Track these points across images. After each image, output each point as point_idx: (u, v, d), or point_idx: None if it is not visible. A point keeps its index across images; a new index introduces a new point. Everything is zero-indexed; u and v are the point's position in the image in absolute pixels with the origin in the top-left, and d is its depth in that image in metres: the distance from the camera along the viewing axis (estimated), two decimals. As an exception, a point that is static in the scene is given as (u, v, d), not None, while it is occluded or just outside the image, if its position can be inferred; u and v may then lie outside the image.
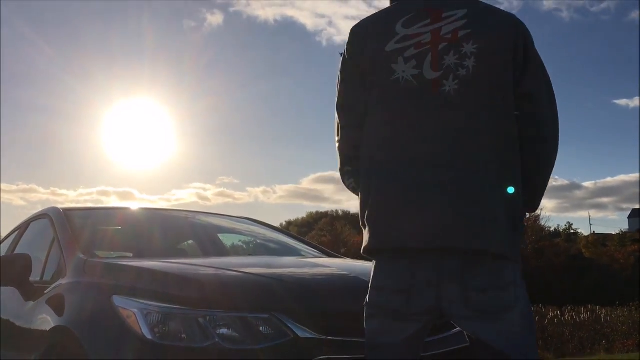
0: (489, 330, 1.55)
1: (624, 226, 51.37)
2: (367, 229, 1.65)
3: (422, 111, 1.59)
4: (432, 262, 1.56)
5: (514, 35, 1.64)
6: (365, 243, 1.66)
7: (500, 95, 1.61)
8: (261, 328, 1.85)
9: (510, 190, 1.57)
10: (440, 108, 1.58)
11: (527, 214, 1.83)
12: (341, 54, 1.79)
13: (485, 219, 1.55)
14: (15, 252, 3.30)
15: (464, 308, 1.54)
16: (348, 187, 1.81)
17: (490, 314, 1.55)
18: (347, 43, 1.75)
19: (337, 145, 1.79)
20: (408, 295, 1.57)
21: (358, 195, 1.73)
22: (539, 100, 1.67)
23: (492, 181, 1.57)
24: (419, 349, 1.67)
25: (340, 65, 1.78)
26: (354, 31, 1.75)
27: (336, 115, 1.80)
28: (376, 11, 1.79)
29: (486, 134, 1.58)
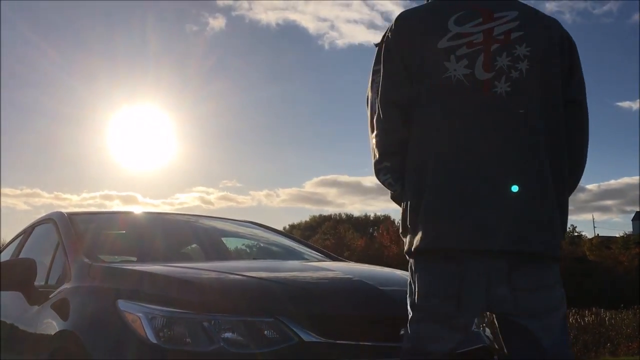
0: (538, 326, 1.59)
1: (628, 228, 51.24)
2: (420, 227, 1.58)
3: (474, 111, 1.58)
4: (482, 264, 1.55)
5: (562, 40, 1.67)
6: (416, 242, 1.58)
7: (551, 99, 1.63)
8: (266, 332, 1.85)
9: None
10: (492, 109, 1.58)
11: None
12: (376, 45, 1.73)
13: (544, 221, 1.58)
14: (20, 256, 3.30)
15: (513, 308, 1.57)
16: (383, 183, 1.72)
17: (539, 314, 1.59)
18: (392, 34, 1.67)
19: (374, 140, 1.69)
20: (457, 299, 1.56)
21: (394, 192, 1.72)
22: (585, 107, 1.72)
23: (549, 184, 1.60)
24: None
25: (379, 56, 1.70)
26: (401, 23, 1.68)
27: (369, 111, 1.74)
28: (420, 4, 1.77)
29: (540, 135, 1.60)
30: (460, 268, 1.55)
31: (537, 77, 1.61)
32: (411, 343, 1.62)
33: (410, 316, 1.65)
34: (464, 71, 1.58)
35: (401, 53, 1.65)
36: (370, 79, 1.74)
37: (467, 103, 1.58)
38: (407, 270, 1.73)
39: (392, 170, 1.68)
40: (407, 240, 1.66)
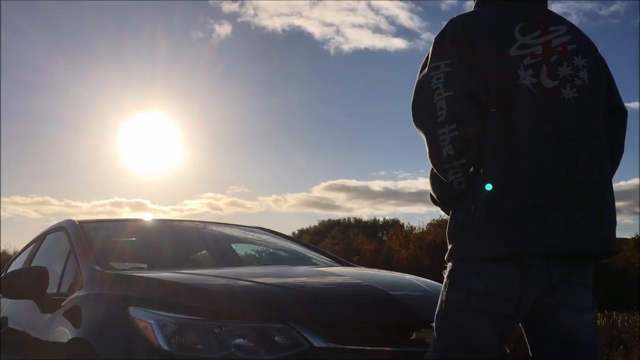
0: (576, 322, 1.67)
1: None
2: (497, 231, 1.57)
3: (546, 117, 1.64)
4: (546, 265, 1.60)
5: (600, 56, 1.82)
6: (492, 247, 1.57)
7: (604, 106, 1.76)
8: (276, 338, 1.85)
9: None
10: (563, 115, 1.65)
11: None
12: (435, 41, 1.71)
13: (615, 220, 1.70)
14: (32, 264, 3.34)
15: (562, 306, 1.66)
16: (452, 182, 1.64)
17: (583, 309, 1.69)
18: (461, 31, 1.68)
19: (445, 135, 1.60)
20: (519, 301, 1.60)
21: (459, 192, 1.65)
22: (626, 114, 1.85)
23: (611, 186, 1.72)
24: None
25: (442, 50, 1.67)
26: (471, 23, 1.70)
27: (419, 110, 1.67)
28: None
29: (605, 141, 1.72)
30: (525, 271, 1.59)
31: (596, 86, 1.73)
32: (456, 338, 1.62)
33: (450, 314, 1.64)
34: (531, 80, 1.65)
35: (475, 49, 1.66)
36: (425, 75, 1.68)
37: (538, 109, 1.64)
38: (417, 274, 1.73)
39: (466, 168, 1.62)
40: (465, 243, 1.63)
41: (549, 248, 1.57)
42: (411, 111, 1.70)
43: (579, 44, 1.74)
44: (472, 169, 1.64)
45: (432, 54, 1.69)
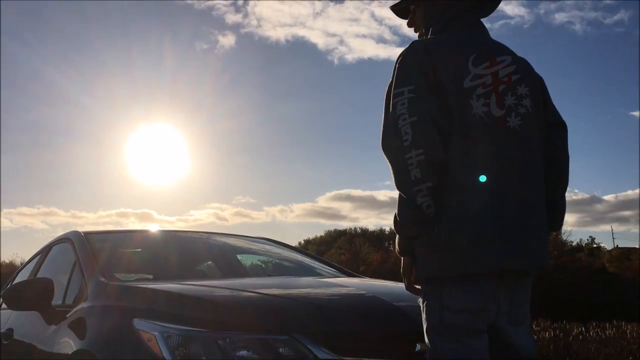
0: (522, 337, 1.83)
1: (648, 239, 50.32)
2: (463, 251, 1.67)
3: (496, 145, 1.75)
4: (496, 281, 1.73)
5: (539, 79, 1.96)
6: (460, 265, 1.68)
7: (542, 129, 1.89)
8: (280, 349, 1.84)
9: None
10: (509, 142, 1.77)
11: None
12: (397, 66, 1.77)
13: (546, 240, 1.86)
14: (38, 275, 3.35)
15: (507, 320, 1.79)
16: (420, 205, 1.67)
17: (521, 324, 1.83)
18: (424, 58, 1.75)
19: (412, 160, 1.66)
20: (484, 313, 1.73)
21: (428, 215, 1.67)
22: (565, 127, 1.99)
23: (544, 207, 1.85)
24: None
25: (405, 76, 1.74)
26: (430, 49, 1.77)
27: (388, 131, 1.72)
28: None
29: (542, 164, 1.87)
30: (486, 285, 1.72)
31: (536, 112, 1.86)
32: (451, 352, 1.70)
33: (431, 336, 1.73)
34: (483, 109, 1.76)
35: (436, 75, 1.74)
36: (391, 101, 1.73)
37: (489, 136, 1.75)
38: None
39: (433, 191, 1.67)
40: (434, 262, 1.71)
41: (509, 265, 1.71)
42: (381, 138, 1.76)
43: (522, 73, 1.86)
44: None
45: (395, 79, 1.76)
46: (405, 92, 1.71)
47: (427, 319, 1.74)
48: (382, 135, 1.75)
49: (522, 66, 1.89)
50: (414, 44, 1.82)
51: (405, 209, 1.70)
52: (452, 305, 1.70)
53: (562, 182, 1.95)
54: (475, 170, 1.71)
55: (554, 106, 1.99)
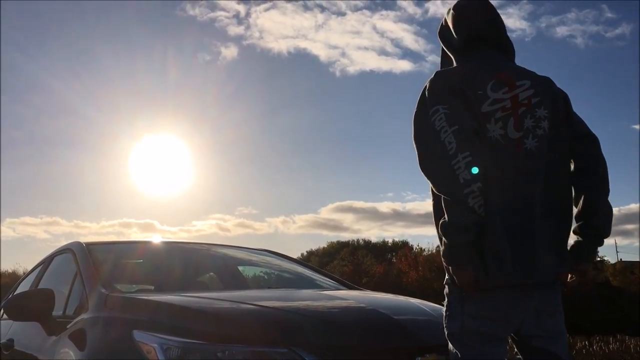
0: (556, 347, 1.88)
1: (652, 253, 49.98)
2: (488, 262, 1.75)
3: (513, 163, 1.84)
4: (511, 290, 1.80)
5: (560, 96, 1.99)
6: (486, 277, 1.75)
7: (565, 145, 1.95)
8: (279, 362, 1.84)
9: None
10: (523, 162, 1.85)
11: None
12: (427, 92, 1.88)
13: (566, 251, 1.91)
14: (39, 286, 3.35)
15: (537, 329, 1.85)
16: (474, 206, 1.75)
17: (559, 338, 1.89)
18: (450, 81, 1.88)
19: (459, 164, 1.74)
20: (503, 321, 1.81)
21: (478, 217, 1.74)
22: (595, 138, 2.02)
23: (570, 220, 1.93)
24: None
25: (436, 97, 1.85)
26: (452, 76, 1.91)
27: (441, 142, 1.79)
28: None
29: (565, 180, 1.94)
30: (504, 294, 1.79)
31: (556, 131, 1.92)
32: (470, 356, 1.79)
33: (453, 343, 1.82)
34: (500, 132, 1.85)
35: (463, 99, 1.85)
36: (428, 120, 1.84)
37: (506, 157, 1.84)
38: (427, 296, 1.79)
39: (483, 192, 1.76)
40: (464, 273, 1.78)
41: (532, 278, 1.80)
42: (418, 161, 1.85)
43: (541, 97, 1.93)
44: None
45: (429, 100, 1.87)
46: (441, 109, 1.83)
47: (447, 326, 1.84)
48: (420, 153, 1.85)
49: (542, 88, 1.95)
50: (438, 73, 1.94)
51: (457, 214, 1.75)
52: (472, 312, 1.79)
53: (603, 188, 1.98)
54: (490, 186, 1.78)
55: (579, 120, 2.04)
